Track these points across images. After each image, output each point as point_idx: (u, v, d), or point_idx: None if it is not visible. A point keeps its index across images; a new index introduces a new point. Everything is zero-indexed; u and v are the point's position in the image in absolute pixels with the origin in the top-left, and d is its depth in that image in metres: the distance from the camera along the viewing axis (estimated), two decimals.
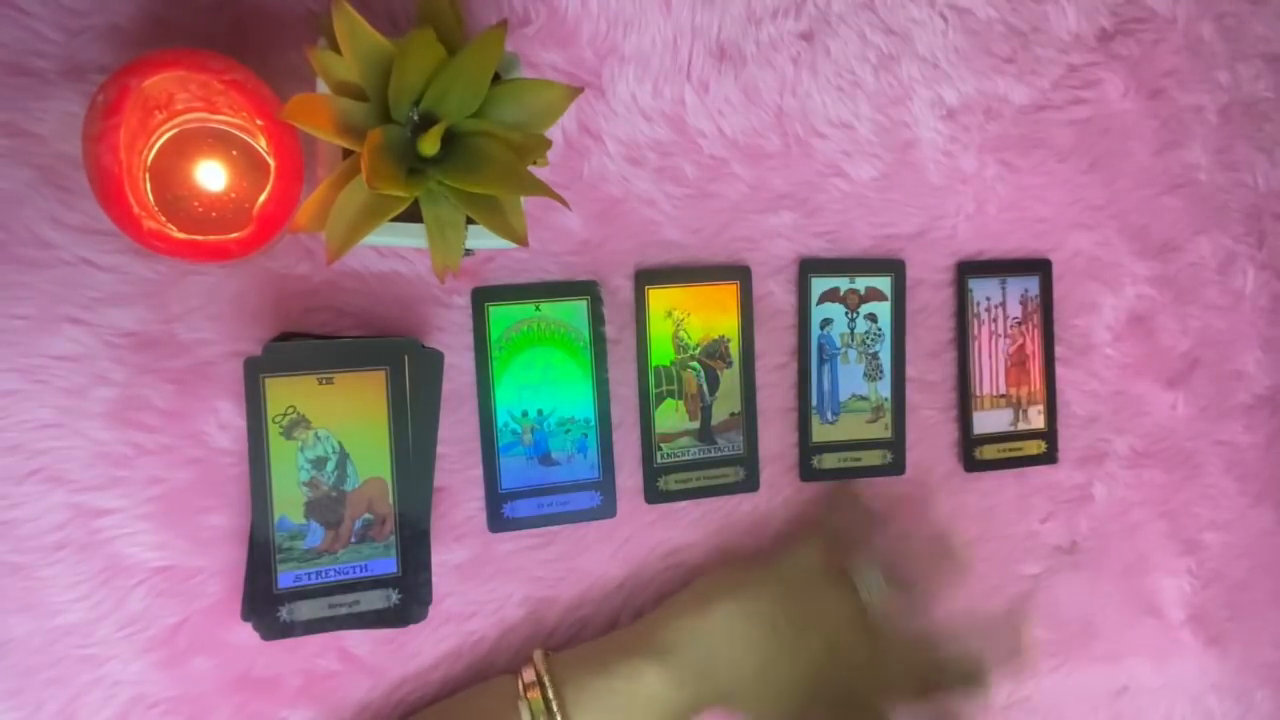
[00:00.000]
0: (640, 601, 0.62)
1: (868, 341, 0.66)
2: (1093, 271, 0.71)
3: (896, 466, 0.66)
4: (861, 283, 0.65)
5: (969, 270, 0.67)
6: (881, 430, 0.66)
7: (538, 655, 0.54)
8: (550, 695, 0.52)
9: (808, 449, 0.65)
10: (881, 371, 0.66)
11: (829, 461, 0.65)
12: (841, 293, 0.65)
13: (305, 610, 0.53)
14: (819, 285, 0.64)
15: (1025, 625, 0.63)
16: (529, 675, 0.53)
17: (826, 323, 0.65)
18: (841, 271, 0.65)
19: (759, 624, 0.56)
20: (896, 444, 0.66)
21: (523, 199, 0.49)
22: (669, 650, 0.54)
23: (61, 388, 0.51)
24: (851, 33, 0.63)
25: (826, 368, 0.65)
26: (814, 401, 0.65)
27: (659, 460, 0.62)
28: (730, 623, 0.55)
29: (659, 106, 0.60)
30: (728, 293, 0.63)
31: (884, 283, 0.66)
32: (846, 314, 0.65)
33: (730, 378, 0.63)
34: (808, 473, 0.65)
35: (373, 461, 0.54)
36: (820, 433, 0.65)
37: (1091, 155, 0.70)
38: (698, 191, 0.62)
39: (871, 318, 0.66)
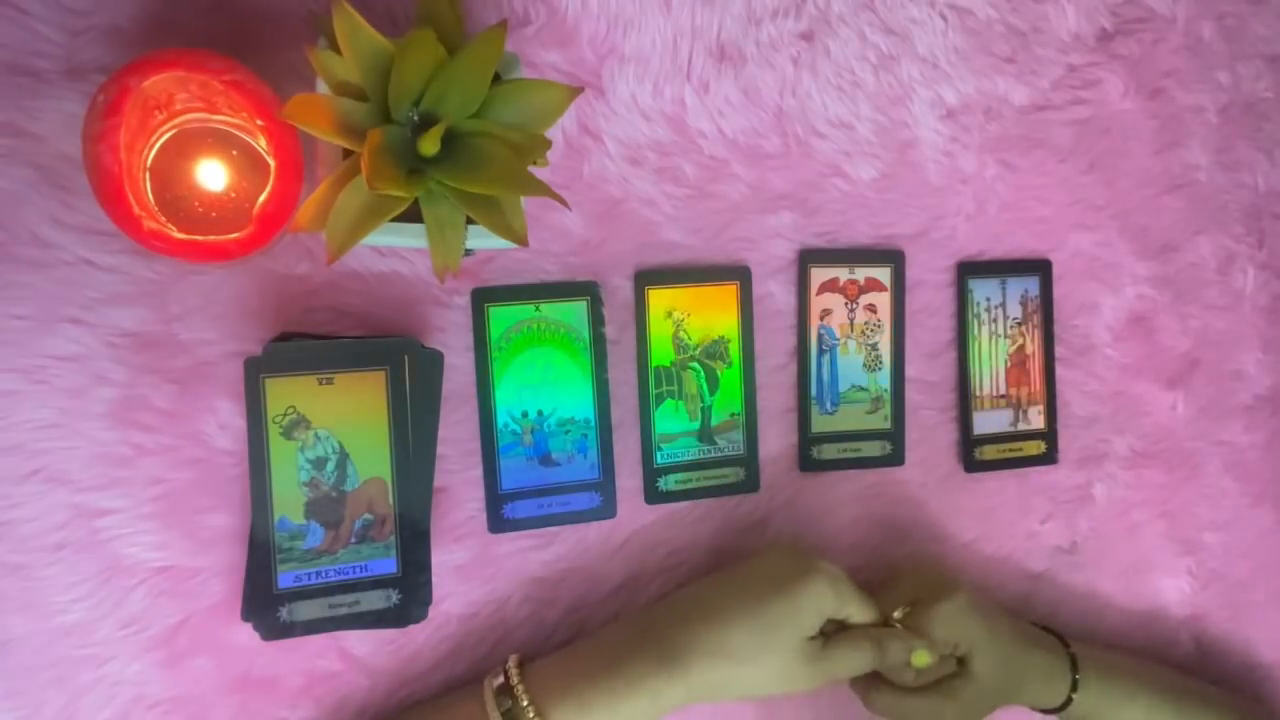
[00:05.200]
0: (640, 602, 0.62)
1: (867, 332, 0.66)
2: (1093, 271, 0.71)
3: (895, 457, 0.66)
4: (861, 273, 0.65)
5: (969, 270, 0.67)
6: (881, 421, 0.66)
7: (511, 662, 0.53)
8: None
9: (807, 439, 0.65)
10: (881, 362, 0.66)
11: (828, 452, 0.65)
12: (841, 283, 0.65)
13: (305, 610, 0.53)
14: (818, 276, 0.64)
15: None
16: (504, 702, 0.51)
17: (826, 313, 0.65)
18: (841, 261, 0.65)
19: (756, 616, 0.54)
20: (896, 435, 0.66)
21: (523, 199, 0.49)
22: (683, 667, 0.52)
23: (62, 388, 0.51)
24: (851, 33, 0.63)
25: (826, 358, 0.65)
26: (813, 392, 0.65)
27: (659, 460, 0.62)
28: (740, 628, 0.53)
29: (659, 106, 0.60)
30: (728, 293, 0.63)
31: (883, 273, 0.66)
32: (846, 304, 0.65)
33: (730, 378, 0.63)
34: (807, 463, 0.65)
35: (373, 461, 0.54)
36: (820, 423, 0.65)
37: (1091, 155, 0.70)
38: (698, 192, 0.62)
39: (871, 308, 0.66)
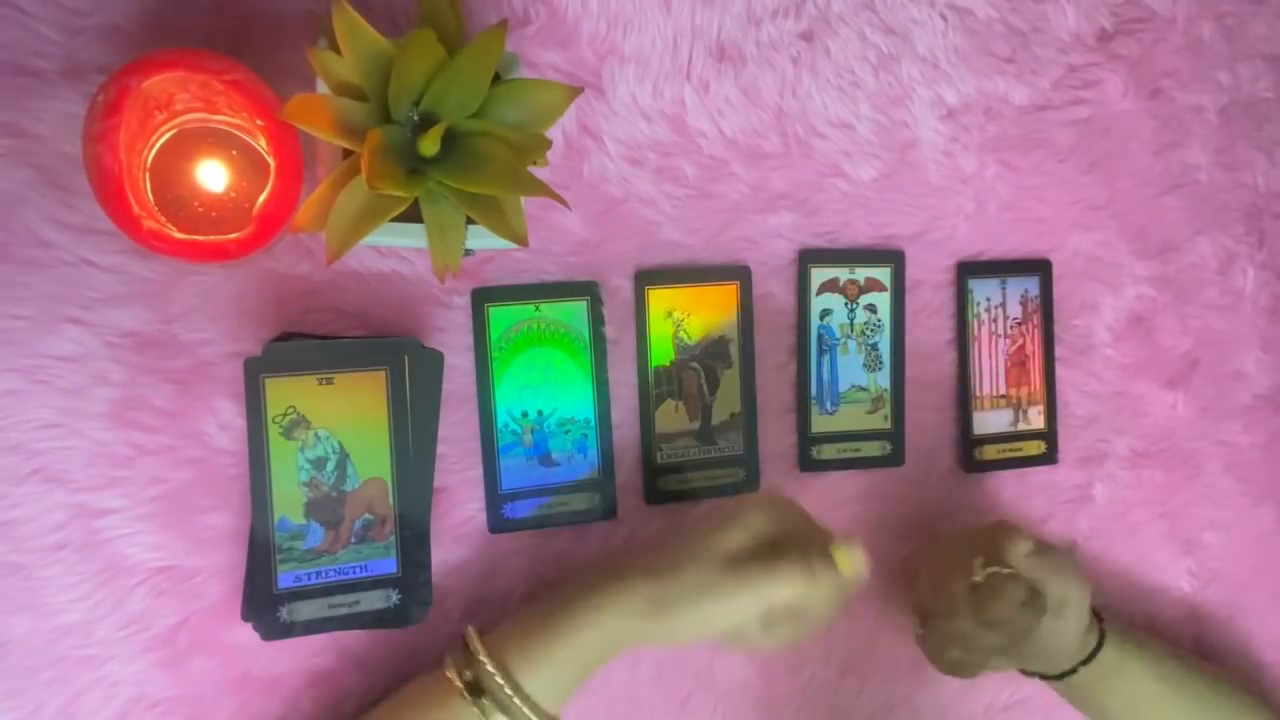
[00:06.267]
0: None
1: (867, 332, 0.66)
2: (1093, 271, 0.71)
3: (895, 458, 0.66)
4: (861, 273, 0.65)
5: (969, 270, 0.67)
6: (881, 421, 0.66)
7: (470, 633, 0.52)
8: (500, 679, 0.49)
9: (807, 439, 0.65)
10: (881, 362, 0.66)
11: (828, 452, 0.65)
12: (841, 283, 0.65)
13: (305, 610, 0.53)
14: (818, 276, 0.64)
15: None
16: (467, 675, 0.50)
17: (826, 313, 0.65)
18: (841, 262, 0.65)
19: (689, 540, 0.53)
20: (895, 435, 0.66)
21: (523, 199, 0.49)
22: (619, 575, 0.51)
23: (61, 388, 0.51)
24: (851, 33, 0.63)
25: (826, 358, 0.65)
26: (813, 392, 0.65)
27: (659, 460, 0.62)
28: (673, 550, 0.52)
29: (659, 106, 0.60)
30: (728, 293, 0.63)
31: (883, 273, 0.66)
32: (846, 304, 0.65)
33: (730, 378, 0.63)
34: (807, 463, 0.65)
35: (373, 461, 0.54)
36: (820, 423, 0.65)
37: (1091, 155, 0.70)
38: (698, 191, 0.62)
39: (871, 308, 0.66)
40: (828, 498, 0.66)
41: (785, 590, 0.51)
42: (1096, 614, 0.63)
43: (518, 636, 0.51)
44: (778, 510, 0.53)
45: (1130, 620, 0.73)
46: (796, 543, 0.52)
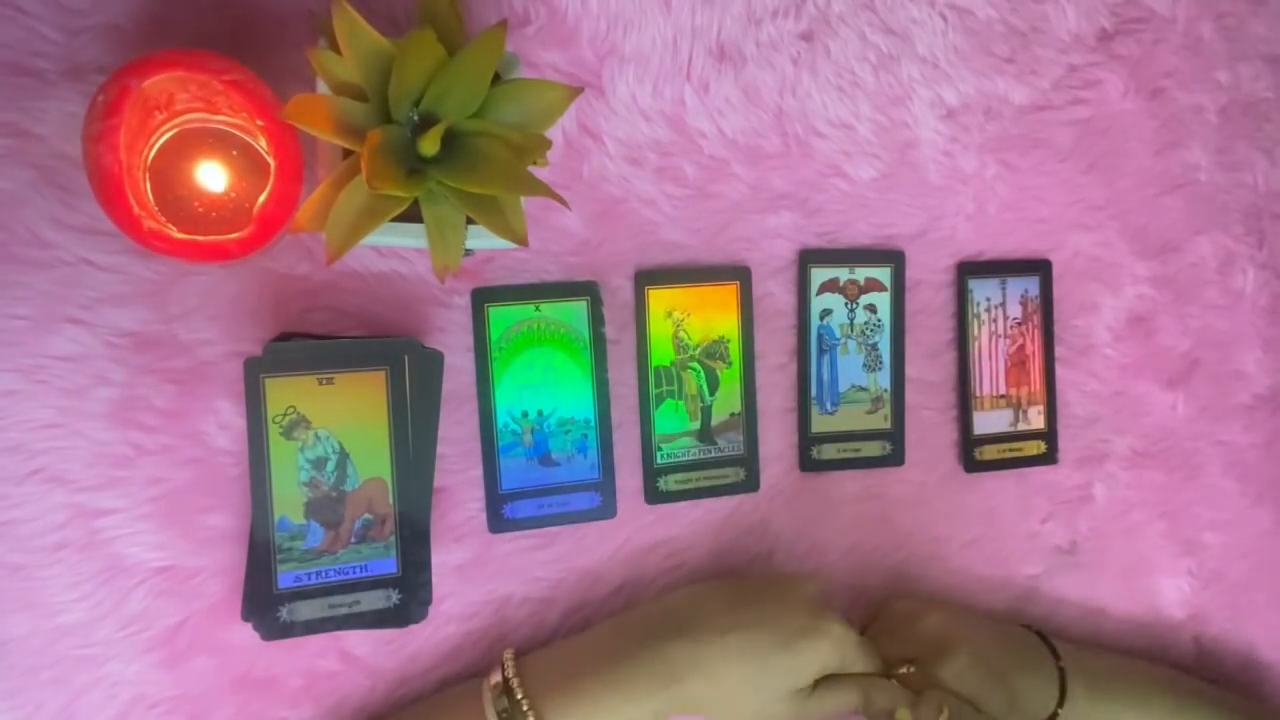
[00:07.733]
0: (639, 602, 0.62)
1: (867, 332, 0.66)
2: (1093, 271, 0.71)
3: (895, 458, 0.66)
4: (861, 273, 0.65)
5: (969, 270, 0.67)
6: (881, 421, 0.66)
7: (507, 657, 0.53)
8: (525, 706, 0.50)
9: (807, 440, 0.65)
10: (881, 362, 0.66)
11: (828, 452, 0.65)
12: (841, 283, 0.65)
13: (305, 610, 0.53)
14: (818, 276, 0.64)
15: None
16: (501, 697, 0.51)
17: (826, 313, 0.65)
18: (841, 262, 0.65)
19: (755, 660, 0.54)
20: (895, 435, 0.66)
21: (523, 199, 0.49)
22: (676, 679, 0.52)
23: (61, 388, 0.51)
24: (851, 33, 0.63)
25: (826, 358, 0.65)
26: (813, 392, 0.65)
27: (659, 460, 0.62)
28: (737, 664, 0.53)
29: (659, 106, 0.60)
30: (728, 293, 0.63)
31: (883, 273, 0.66)
32: (846, 305, 0.65)
33: (730, 378, 0.63)
34: (807, 463, 0.65)
35: (373, 461, 0.54)
36: (820, 423, 0.65)
37: (1091, 155, 0.70)
38: (698, 192, 0.62)
39: (871, 308, 0.66)
40: (828, 497, 0.66)
41: (840, 710, 0.56)
42: (1061, 668, 0.62)
43: (570, 692, 0.51)
44: (848, 648, 0.56)
45: (1129, 619, 0.73)
46: (858, 679, 0.56)
